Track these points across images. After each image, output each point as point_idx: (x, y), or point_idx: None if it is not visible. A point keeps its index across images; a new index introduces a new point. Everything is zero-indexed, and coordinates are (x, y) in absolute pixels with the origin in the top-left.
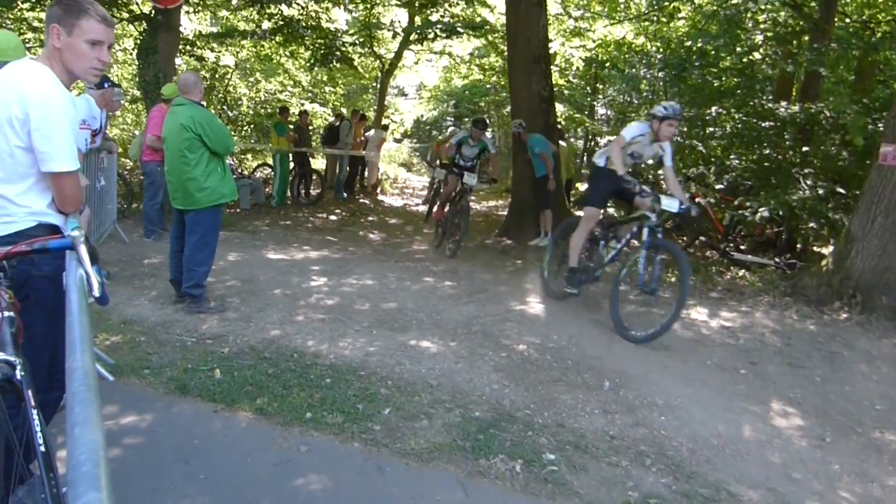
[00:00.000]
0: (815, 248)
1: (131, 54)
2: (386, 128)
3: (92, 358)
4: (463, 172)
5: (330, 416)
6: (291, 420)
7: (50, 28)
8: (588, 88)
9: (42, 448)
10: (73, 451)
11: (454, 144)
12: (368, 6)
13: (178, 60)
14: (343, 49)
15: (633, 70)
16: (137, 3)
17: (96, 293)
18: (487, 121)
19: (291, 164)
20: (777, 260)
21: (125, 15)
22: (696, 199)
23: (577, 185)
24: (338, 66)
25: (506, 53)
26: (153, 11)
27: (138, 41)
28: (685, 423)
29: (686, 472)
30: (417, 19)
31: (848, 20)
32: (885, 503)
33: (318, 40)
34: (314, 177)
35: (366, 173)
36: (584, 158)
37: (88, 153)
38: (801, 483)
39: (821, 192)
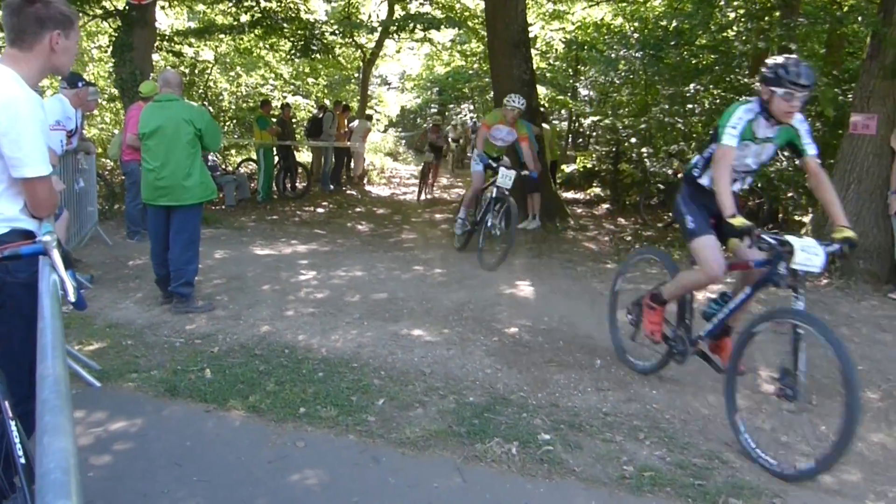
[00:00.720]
0: (796, 218)
1: (106, 51)
2: (370, 118)
3: (64, 364)
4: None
5: (324, 410)
6: (285, 416)
7: (45, 34)
8: (570, 70)
9: (23, 461)
10: (43, 460)
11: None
12: None
13: (155, 56)
14: (324, 39)
15: (612, 51)
16: (111, 0)
17: (71, 298)
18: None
19: (276, 158)
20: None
21: (98, 12)
22: (679, 175)
23: (563, 166)
24: (319, 56)
25: (486, 39)
26: (127, 8)
27: (113, 38)
28: (676, 396)
29: (679, 443)
30: (398, 8)
31: None
32: (869, 459)
33: (298, 31)
34: (300, 170)
35: (352, 164)
36: (569, 139)
37: (65, 154)
38: (791, 446)
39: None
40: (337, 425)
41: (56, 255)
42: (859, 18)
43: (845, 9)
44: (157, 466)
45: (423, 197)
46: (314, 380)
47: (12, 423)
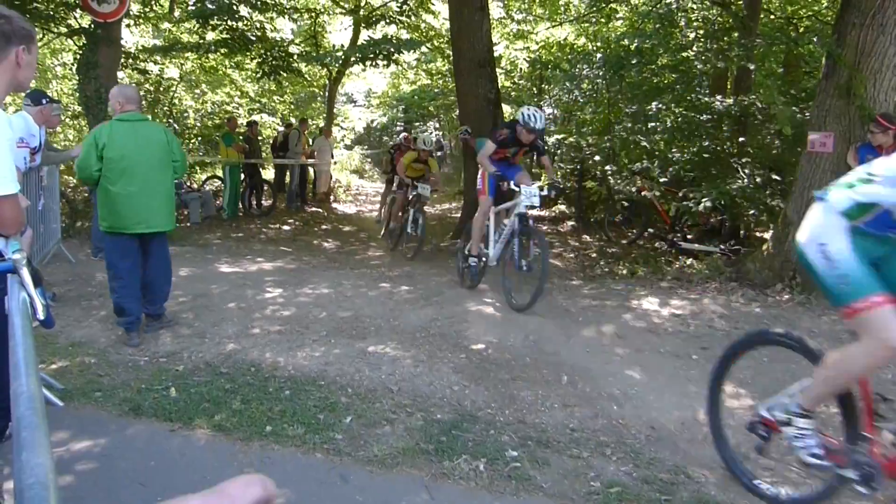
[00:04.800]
0: (757, 234)
1: (71, 69)
2: (328, 132)
3: (38, 381)
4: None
5: (291, 429)
6: (251, 435)
7: (11, 50)
8: (534, 89)
9: None
10: (21, 476)
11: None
12: (314, 15)
13: (120, 74)
14: (291, 59)
15: (576, 70)
16: (76, 17)
17: (41, 316)
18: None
19: (242, 176)
20: (722, 247)
21: (64, 29)
22: (643, 193)
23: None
24: (285, 75)
25: (451, 58)
26: (92, 25)
27: (77, 56)
28: (642, 411)
29: (645, 458)
30: (364, 32)
31: (772, 16)
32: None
33: (264, 52)
34: (265, 187)
35: (315, 182)
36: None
37: (28, 172)
38: (754, 460)
39: (758, 180)
40: (304, 444)
41: (26, 273)
42: (815, 39)
43: (801, 30)
44: (121, 486)
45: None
46: (281, 398)
47: None
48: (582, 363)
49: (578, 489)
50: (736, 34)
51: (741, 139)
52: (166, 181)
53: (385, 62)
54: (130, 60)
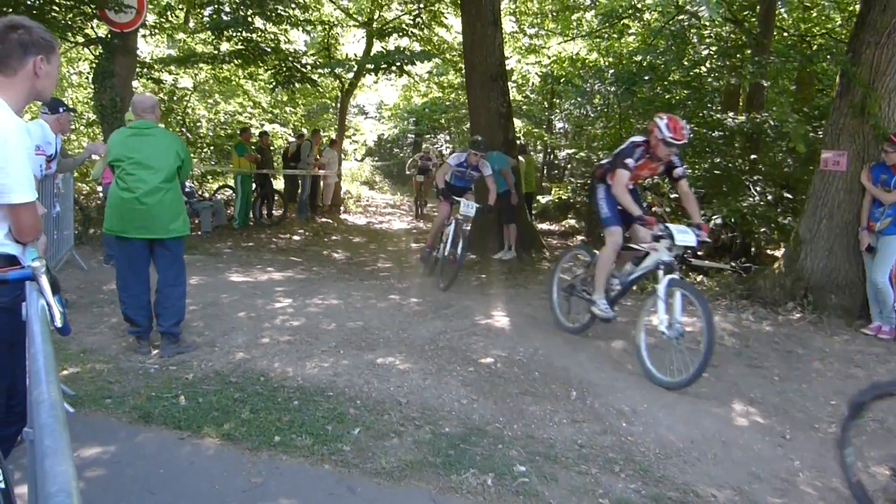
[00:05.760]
0: (768, 252)
1: (87, 78)
2: (334, 143)
3: (58, 389)
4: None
5: (299, 439)
6: (260, 444)
7: (29, 59)
8: (545, 103)
9: (2, 485)
10: (45, 483)
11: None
12: (327, 27)
13: (134, 83)
14: (304, 70)
15: (587, 85)
16: (93, 27)
17: (58, 323)
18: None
19: (253, 185)
20: (733, 264)
21: (80, 39)
22: (653, 208)
23: (538, 198)
24: (298, 86)
25: (463, 71)
26: (109, 35)
27: (94, 65)
28: (651, 428)
29: (654, 476)
30: (376, 44)
31: (785, 34)
32: (843, 496)
33: (278, 62)
34: (276, 197)
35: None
36: (545, 171)
37: (44, 179)
38: (765, 480)
39: (769, 197)
40: (312, 454)
41: (45, 281)
42: (829, 57)
43: (814, 47)
44: (131, 494)
45: (420, 212)
46: (289, 408)
47: None
48: (591, 378)
49: None
50: (749, 51)
51: (752, 156)
52: (172, 189)
53: (398, 72)
54: (145, 70)
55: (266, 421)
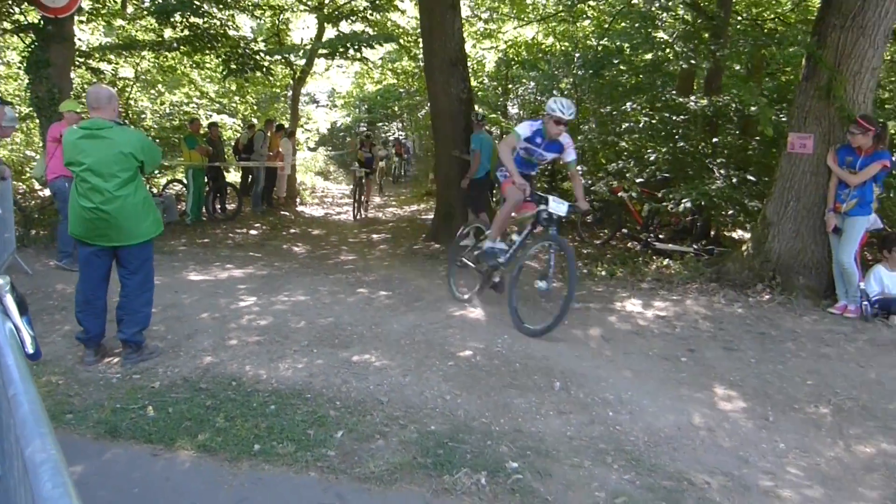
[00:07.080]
0: (727, 234)
1: (18, 68)
2: (291, 134)
3: (56, 444)
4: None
5: (280, 446)
6: (239, 454)
7: None
8: (500, 89)
9: None
10: None
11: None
12: (276, 12)
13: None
14: (257, 58)
15: (554, 70)
16: (22, 12)
17: (29, 350)
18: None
19: (205, 179)
20: (695, 247)
21: (8, 26)
22: (618, 193)
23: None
24: (253, 74)
25: (418, 57)
26: (42, 22)
27: (25, 54)
28: (638, 417)
29: (646, 465)
30: (329, 28)
31: (740, 17)
32: (829, 475)
33: (229, 50)
34: (229, 191)
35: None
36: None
37: None
38: (753, 464)
39: (734, 180)
40: (296, 462)
41: (10, 301)
42: (796, 40)
43: (766, 30)
44: None
45: (360, 215)
46: (266, 413)
47: None
48: (572, 367)
49: (584, 500)
50: (706, 35)
51: (714, 140)
52: (132, 194)
53: (356, 56)
54: (83, 59)
55: (243, 429)
